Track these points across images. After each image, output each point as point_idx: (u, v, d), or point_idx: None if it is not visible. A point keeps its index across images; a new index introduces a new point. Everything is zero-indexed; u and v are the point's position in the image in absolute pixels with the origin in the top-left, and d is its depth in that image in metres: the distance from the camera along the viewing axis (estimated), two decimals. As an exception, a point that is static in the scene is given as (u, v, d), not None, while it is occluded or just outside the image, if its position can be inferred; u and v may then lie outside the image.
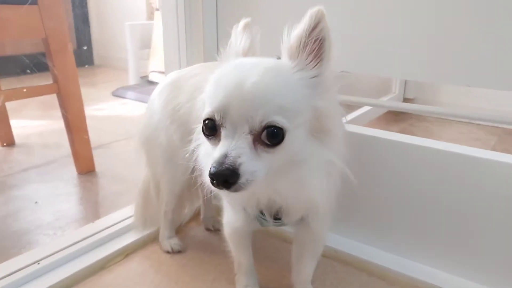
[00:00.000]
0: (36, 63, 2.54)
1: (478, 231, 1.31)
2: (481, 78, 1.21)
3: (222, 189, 0.80)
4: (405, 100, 3.49)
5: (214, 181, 0.79)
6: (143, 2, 5.23)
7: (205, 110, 0.87)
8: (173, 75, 1.42)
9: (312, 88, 0.86)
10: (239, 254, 1.27)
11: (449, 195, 1.32)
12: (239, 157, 0.80)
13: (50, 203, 2.03)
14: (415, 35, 1.27)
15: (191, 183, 1.42)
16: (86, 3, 5.46)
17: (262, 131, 0.81)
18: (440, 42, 1.23)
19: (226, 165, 0.78)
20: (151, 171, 1.52)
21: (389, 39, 1.32)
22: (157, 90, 1.41)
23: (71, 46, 2.19)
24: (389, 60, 1.35)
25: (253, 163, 0.80)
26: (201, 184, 1.10)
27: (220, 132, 0.84)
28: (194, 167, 1.10)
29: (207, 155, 0.92)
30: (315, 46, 0.86)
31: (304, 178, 0.92)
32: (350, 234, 1.55)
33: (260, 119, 0.80)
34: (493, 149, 2.63)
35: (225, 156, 0.79)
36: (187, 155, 1.05)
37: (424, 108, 1.80)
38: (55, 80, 2.19)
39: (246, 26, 0.99)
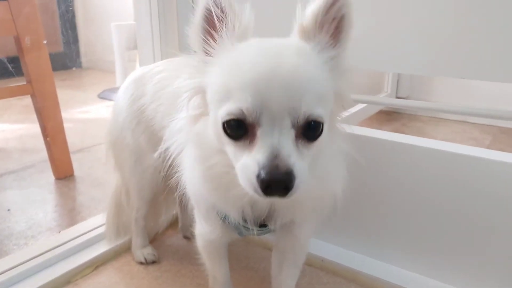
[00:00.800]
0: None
1: (477, 238, 1.23)
2: (476, 70, 1.16)
3: (274, 197, 0.69)
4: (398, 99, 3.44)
5: (269, 188, 0.67)
6: (131, 2, 5.14)
7: (223, 105, 0.72)
8: (138, 71, 1.34)
9: (333, 70, 0.78)
10: (214, 268, 1.17)
11: (444, 198, 1.26)
12: (290, 156, 0.68)
13: (24, 210, 1.93)
14: (407, 28, 1.22)
15: (165, 188, 1.33)
16: (72, 4, 5.37)
17: (305, 124, 0.71)
18: (434, 34, 1.18)
19: (283, 169, 0.67)
20: (120, 175, 1.43)
21: (381, 32, 1.26)
22: (122, 88, 1.33)
23: (44, 45, 2.08)
24: (381, 53, 1.28)
25: (301, 163, 0.70)
26: (177, 188, 1.01)
27: (254, 131, 0.71)
28: (167, 170, 1.00)
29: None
30: (333, 24, 0.78)
31: (329, 169, 0.85)
32: (338, 241, 1.47)
33: (305, 110, 0.69)
34: (488, 148, 2.58)
35: (274, 156, 0.68)
36: (156, 155, 0.96)
37: (420, 104, 1.72)
38: (29, 81, 2.08)
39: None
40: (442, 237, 1.28)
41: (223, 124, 0.73)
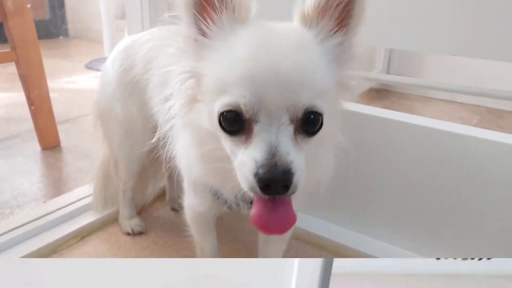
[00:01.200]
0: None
1: (463, 214, 1.24)
2: (468, 48, 1.15)
3: (273, 195, 0.68)
4: (389, 77, 3.43)
5: (268, 187, 0.66)
6: (120, -32, 4.97)
7: (219, 98, 0.70)
8: (127, 40, 1.29)
9: (336, 59, 0.75)
10: (202, 240, 1.17)
11: (431, 175, 1.26)
12: (288, 154, 0.67)
13: (9, 180, 1.90)
14: (400, 2, 1.19)
15: (153, 160, 1.32)
16: (59, -30, 5.18)
17: (304, 118, 0.69)
18: (426, 9, 1.16)
19: (281, 167, 0.65)
20: (108, 146, 1.41)
21: (372, 6, 1.21)
22: (110, 58, 1.30)
23: (29, 9, 2.01)
24: (372, 28, 1.24)
25: (299, 158, 0.69)
26: (165, 160, 1.00)
27: (251, 127, 0.69)
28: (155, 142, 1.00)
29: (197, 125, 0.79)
30: (338, 9, 0.73)
31: (320, 159, 0.84)
32: (325, 215, 1.48)
33: (303, 104, 0.68)
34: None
35: (272, 154, 0.66)
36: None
37: (411, 81, 1.71)
38: (13, 47, 2.02)
39: None
40: (428, 213, 1.29)
41: (220, 115, 0.70)
